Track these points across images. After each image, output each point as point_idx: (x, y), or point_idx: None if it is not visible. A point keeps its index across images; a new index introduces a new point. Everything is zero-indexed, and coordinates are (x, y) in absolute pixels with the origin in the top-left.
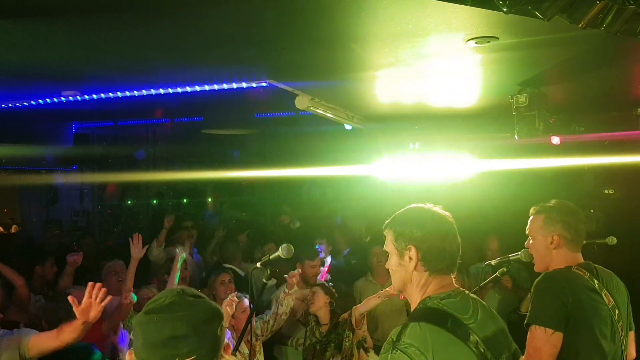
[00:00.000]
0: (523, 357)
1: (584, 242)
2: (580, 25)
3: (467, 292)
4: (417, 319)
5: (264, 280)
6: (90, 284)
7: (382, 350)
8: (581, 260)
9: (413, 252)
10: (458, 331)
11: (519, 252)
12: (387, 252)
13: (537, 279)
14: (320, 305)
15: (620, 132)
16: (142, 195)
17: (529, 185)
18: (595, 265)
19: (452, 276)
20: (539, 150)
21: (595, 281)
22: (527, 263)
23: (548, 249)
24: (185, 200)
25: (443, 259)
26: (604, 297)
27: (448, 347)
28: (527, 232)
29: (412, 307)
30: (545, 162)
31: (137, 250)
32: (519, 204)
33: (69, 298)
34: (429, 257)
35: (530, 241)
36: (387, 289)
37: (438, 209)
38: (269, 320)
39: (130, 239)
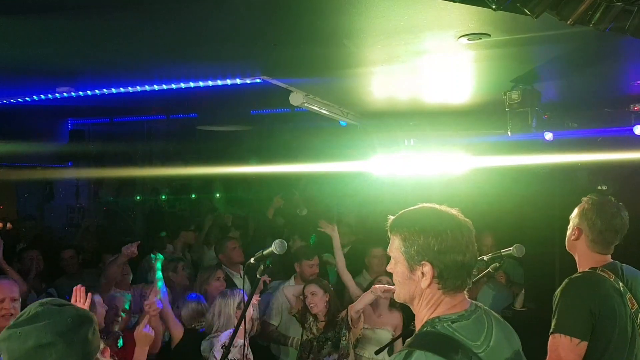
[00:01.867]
0: None
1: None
2: (568, 22)
3: (482, 307)
4: (423, 346)
5: (258, 276)
6: (75, 288)
7: None
8: (608, 260)
9: (428, 269)
10: None
11: (511, 248)
12: (391, 257)
13: (562, 285)
14: (321, 307)
15: (613, 128)
16: (138, 192)
17: (523, 181)
18: (622, 264)
19: (465, 291)
20: (533, 146)
21: (621, 284)
22: (521, 259)
23: (571, 239)
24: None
25: (460, 276)
26: (627, 300)
27: None
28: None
29: (418, 324)
30: (539, 159)
31: (128, 251)
32: (513, 201)
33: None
34: (446, 275)
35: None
36: (383, 284)
37: (455, 212)
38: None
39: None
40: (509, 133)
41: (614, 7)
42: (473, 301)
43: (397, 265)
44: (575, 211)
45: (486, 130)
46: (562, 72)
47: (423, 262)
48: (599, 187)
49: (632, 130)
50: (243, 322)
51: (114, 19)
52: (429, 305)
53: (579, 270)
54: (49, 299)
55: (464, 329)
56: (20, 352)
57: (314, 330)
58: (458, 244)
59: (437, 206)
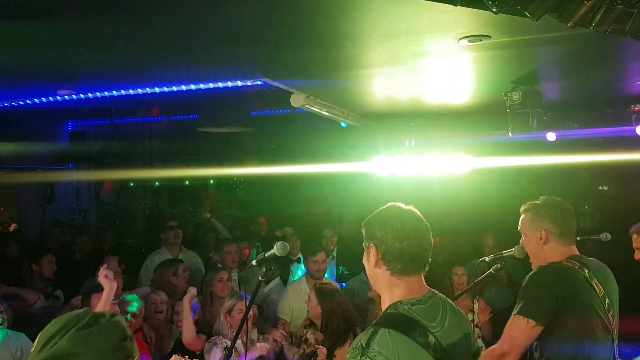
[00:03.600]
0: (497, 343)
1: (577, 238)
2: (569, 24)
3: (438, 294)
4: (386, 325)
5: (260, 278)
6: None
7: (350, 352)
8: (575, 253)
9: (374, 251)
10: (424, 341)
11: (513, 249)
12: None
13: (531, 272)
14: (316, 313)
15: (614, 128)
16: (139, 194)
17: (525, 182)
18: (585, 257)
19: (420, 276)
20: (534, 147)
21: (586, 270)
22: (522, 259)
23: (538, 244)
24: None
25: (401, 260)
26: (595, 286)
27: (414, 357)
28: (519, 229)
29: (383, 307)
30: (540, 159)
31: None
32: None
33: None
34: (388, 257)
35: (523, 239)
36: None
37: (411, 209)
38: None
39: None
40: (510, 134)
41: (614, 9)
42: (431, 289)
43: (364, 255)
44: (526, 222)
45: (487, 131)
46: (563, 72)
47: (370, 244)
48: (600, 187)
49: (633, 130)
50: (245, 325)
51: (115, 22)
52: (386, 287)
53: None
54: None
55: (422, 311)
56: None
57: (311, 340)
58: (397, 232)
59: (398, 204)
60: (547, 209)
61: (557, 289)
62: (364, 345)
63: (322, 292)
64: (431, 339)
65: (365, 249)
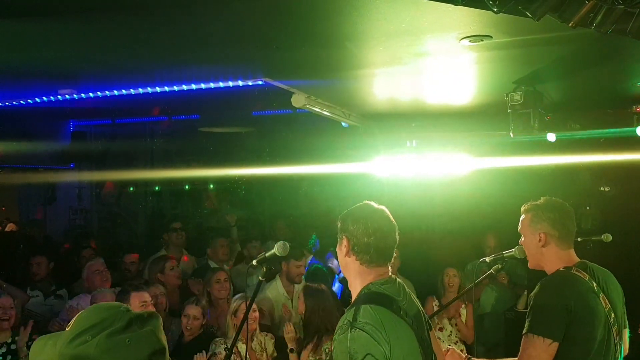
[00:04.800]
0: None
1: (579, 239)
2: (570, 24)
3: (396, 277)
4: (366, 301)
5: (260, 278)
6: None
7: (338, 331)
8: (575, 258)
9: (345, 241)
10: (399, 311)
11: (513, 249)
12: None
13: (538, 287)
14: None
15: (616, 129)
16: (140, 194)
17: (526, 182)
18: (591, 263)
19: (387, 267)
20: (535, 147)
21: (594, 283)
22: (523, 260)
23: (537, 246)
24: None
25: (368, 253)
26: (601, 300)
27: (395, 324)
28: (519, 230)
29: (354, 294)
30: (541, 160)
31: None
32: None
33: None
34: (357, 249)
35: (522, 239)
36: None
37: (382, 208)
38: None
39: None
40: (512, 134)
41: (615, 9)
42: (390, 274)
43: (338, 245)
44: (526, 223)
45: (488, 132)
46: (565, 73)
47: (343, 236)
48: (602, 188)
49: (634, 131)
50: (245, 324)
51: (116, 22)
52: (356, 275)
53: (549, 273)
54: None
55: (391, 288)
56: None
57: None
58: (366, 228)
59: (371, 203)
60: (547, 211)
61: (568, 304)
62: (351, 320)
63: (308, 290)
64: (403, 309)
65: (338, 239)
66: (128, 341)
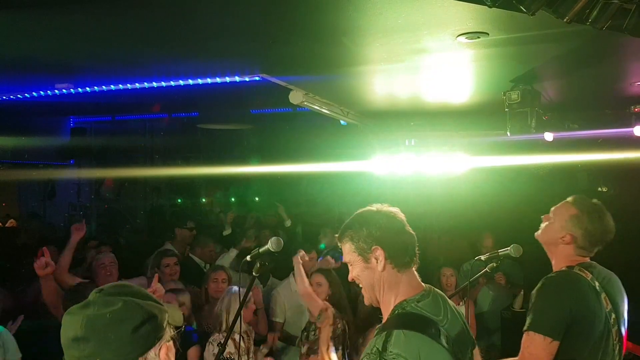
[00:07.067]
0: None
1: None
2: (565, 20)
3: (433, 288)
4: (399, 325)
5: (253, 274)
6: None
7: (364, 358)
8: (586, 260)
9: (379, 252)
10: (438, 336)
11: (509, 248)
12: (348, 265)
13: (539, 284)
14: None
15: (614, 129)
16: (139, 191)
17: (523, 182)
18: (595, 264)
19: (413, 269)
20: (533, 147)
21: (597, 282)
22: (520, 259)
23: (558, 239)
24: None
25: (406, 253)
26: (603, 300)
27: (433, 354)
28: (551, 212)
29: (386, 312)
30: (539, 159)
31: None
32: (513, 201)
33: None
34: (394, 254)
35: (549, 221)
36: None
37: (385, 207)
38: None
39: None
40: (509, 133)
41: (611, 5)
42: (424, 284)
43: (355, 267)
44: (565, 213)
45: (486, 131)
46: (562, 72)
47: (373, 248)
48: (599, 189)
49: (632, 131)
50: (239, 319)
51: (112, 15)
52: (391, 287)
53: (554, 268)
54: (119, 282)
55: (428, 306)
56: (64, 341)
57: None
58: (394, 226)
59: (369, 207)
60: (590, 221)
61: (569, 304)
62: (380, 349)
63: (325, 271)
64: (443, 333)
65: (359, 259)
66: (109, 315)
